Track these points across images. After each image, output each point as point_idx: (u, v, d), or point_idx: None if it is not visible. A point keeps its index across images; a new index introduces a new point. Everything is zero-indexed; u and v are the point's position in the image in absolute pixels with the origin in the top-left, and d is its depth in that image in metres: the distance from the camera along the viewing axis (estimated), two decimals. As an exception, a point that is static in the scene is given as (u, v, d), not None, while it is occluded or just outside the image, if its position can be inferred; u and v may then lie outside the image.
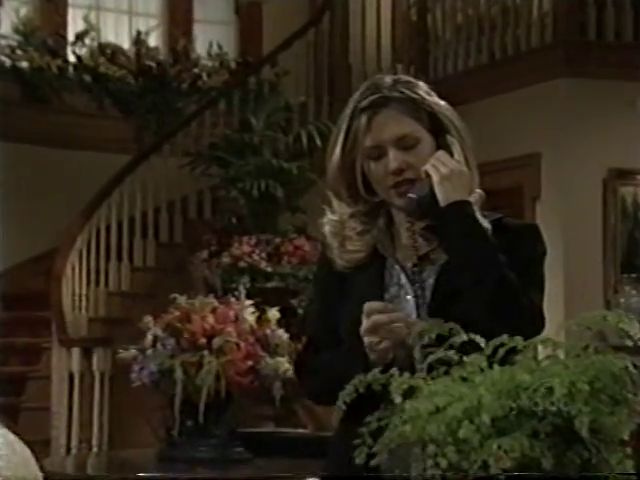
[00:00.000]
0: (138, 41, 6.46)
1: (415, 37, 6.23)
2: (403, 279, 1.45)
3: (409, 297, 1.44)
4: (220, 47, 6.71)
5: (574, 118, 5.28)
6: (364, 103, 1.45)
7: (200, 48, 6.69)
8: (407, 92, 1.46)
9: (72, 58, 6.29)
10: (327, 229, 1.50)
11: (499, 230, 1.44)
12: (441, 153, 1.44)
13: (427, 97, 1.47)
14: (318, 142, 5.30)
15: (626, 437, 0.92)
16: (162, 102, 6.32)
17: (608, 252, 5.28)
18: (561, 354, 0.97)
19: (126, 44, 6.49)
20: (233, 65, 6.71)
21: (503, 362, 0.97)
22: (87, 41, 6.34)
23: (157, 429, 3.10)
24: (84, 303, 5.28)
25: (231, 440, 2.99)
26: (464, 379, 0.91)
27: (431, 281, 1.44)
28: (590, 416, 0.89)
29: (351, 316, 1.42)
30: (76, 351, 4.76)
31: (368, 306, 1.37)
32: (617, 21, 5.40)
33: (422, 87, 1.48)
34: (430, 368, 0.99)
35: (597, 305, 5.01)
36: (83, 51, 6.32)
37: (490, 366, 0.94)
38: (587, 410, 0.89)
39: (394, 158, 1.43)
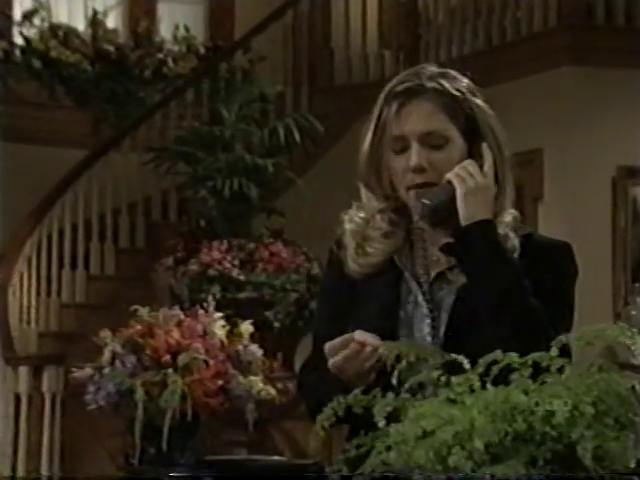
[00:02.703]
0: (94, 22, 6.44)
1: (405, 20, 6.26)
2: (420, 297, 1.46)
3: (425, 318, 1.45)
4: (187, 30, 6.70)
5: (580, 110, 5.32)
6: (399, 88, 1.46)
7: (165, 31, 6.68)
8: (448, 86, 1.46)
9: (19, 40, 6.26)
10: (349, 226, 1.50)
11: (528, 247, 1.45)
12: (469, 162, 1.44)
13: (469, 96, 1.47)
14: (297, 136, 5.31)
15: (632, 464, 0.93)
16: (122, 91, 6.30)
17: (618, 259, 5.32)
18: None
19: (81, 25, 6.47)
20: (202, 50, 6.70)
21: (497, 382, 0.98)
22: (36, 21, 6.31)
23: (115, 457, 3.10)
24: (33, 316, 5.25)
25: (199, 469, 2.98)
26: (453, 401, 0.92)
27: (449, 301, 1.45)
28: (593, 441, 0.90)
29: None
30: (24, 370, 4.73)
31: (327, 348, 1.38)
32: (628, 3, 5.46)
33: (467, 85, 1.48)
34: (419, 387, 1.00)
35: (606, 318, 5.05)
36: (32, 32, 6.29)
37: (483, 386, 0.95)
38: (590, 435, 0.90)
39: (417, 153, 1.43)
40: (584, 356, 1.05)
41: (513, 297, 1.38)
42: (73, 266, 5.50)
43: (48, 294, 5.35)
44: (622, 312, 5.27)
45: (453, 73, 1.50)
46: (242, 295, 4.97)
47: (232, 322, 3.14)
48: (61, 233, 5.46)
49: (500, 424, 0.90)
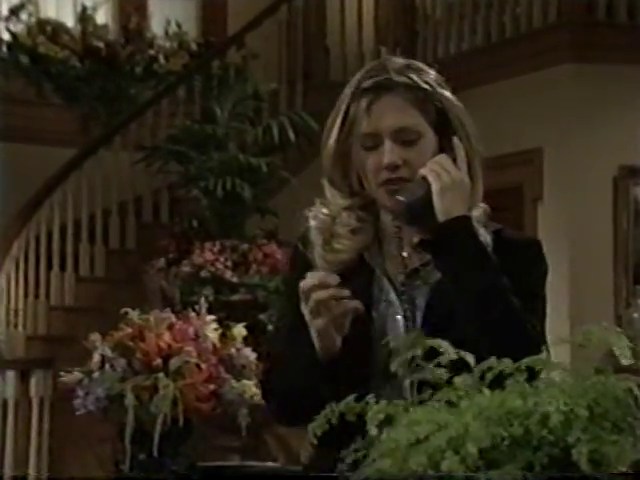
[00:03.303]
0: (84, 17, 6.45)
1: (401, 15, 6.28)
2: (392, 295, 1.46)
3: (399, 317, 1.45)
4: (179, 26, 6.71)
5: (580, 109, 5.33)
6: (367, 83, 1.45)
7: (156, 27, 6.68)
8: (417, 79, 1.46)
9: (6, 36, 6.26)
10: (313, 223, 1.50)
11: (498, 243, 1.46)
12: (443, 157, 1.44)
13: (438, 89, 1.47)
14: (291, 135, 5.31)
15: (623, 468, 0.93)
16: (112, 88, 6.30)
17: (619, 260, 5.33)
18: (557, 376, 0.99)
19: (70, 21, 6.47)
20: (194, 46, 6.71)
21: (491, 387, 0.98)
22: (24, 16, 6.31)
23: (105, 463, 3.10)
24: (21, 319, 5.25)
25: (190, 475, 2.99)
26: (450, 402, 0.93)
27: (422, 300, 1.45)
28: (590, 445, 0.91)
29: None
30: (11, 374, 4.73)
31: (308, 274, 1.38)
32: (629, -1, 5.48)
33: (434, 77, 1.49)
34: (419, 386, 1.01)
35: (607, 321, 5.05)
36: (19, 28, 6.28)
37: (479, 390, 0.96)
38: (586, 438, 0.91)
39: (390, 151, 1.43)
40: (584, 360, 1.05)
41: (495, 294, 1.38)
42: (62, 268, 5.49)
43: (36, 296, 5.35)
44: (623, 315, 5.28)
45: (417, 64, 1.50)
46: (235, 297, 4.97)
47: (225, 325, 3.14)
48: (50, 234, 5.46)
49: (495, 429, 0.90)
